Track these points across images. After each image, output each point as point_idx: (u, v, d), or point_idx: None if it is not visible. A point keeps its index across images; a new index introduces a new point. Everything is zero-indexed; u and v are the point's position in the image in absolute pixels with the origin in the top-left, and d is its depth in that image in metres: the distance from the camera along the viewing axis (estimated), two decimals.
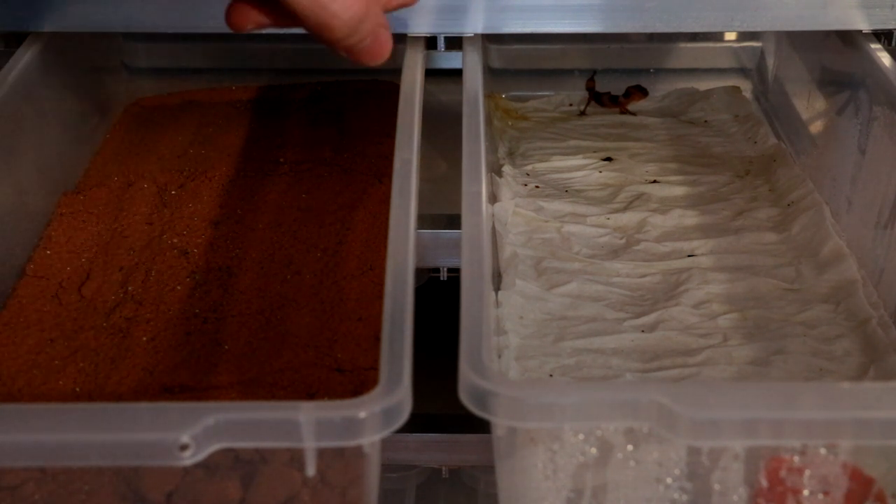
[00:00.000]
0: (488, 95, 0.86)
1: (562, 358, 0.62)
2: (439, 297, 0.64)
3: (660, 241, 0.72)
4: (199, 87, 0.92)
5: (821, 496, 0.46)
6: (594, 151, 0.83)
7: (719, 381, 0.60)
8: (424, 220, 0.68)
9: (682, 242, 0.72)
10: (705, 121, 0.89)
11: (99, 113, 0.84)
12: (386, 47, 0.51)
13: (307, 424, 0.42)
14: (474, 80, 0.68)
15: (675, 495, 0.47)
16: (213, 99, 0.90)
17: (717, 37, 0.97)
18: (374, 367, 0.58)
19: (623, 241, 0.72)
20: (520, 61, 0.94)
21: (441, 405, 0.55)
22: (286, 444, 0.43)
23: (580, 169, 0.81)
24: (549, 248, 0.71)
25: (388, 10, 0.54)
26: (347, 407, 0.42)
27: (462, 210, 0.55)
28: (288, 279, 0.66)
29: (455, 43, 0.73)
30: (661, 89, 0.94)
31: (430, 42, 0.89)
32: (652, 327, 0.64)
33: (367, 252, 0.67)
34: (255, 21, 0.54)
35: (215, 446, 0.42)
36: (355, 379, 0.57)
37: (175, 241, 0.69)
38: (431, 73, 0.64)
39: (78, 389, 0.58)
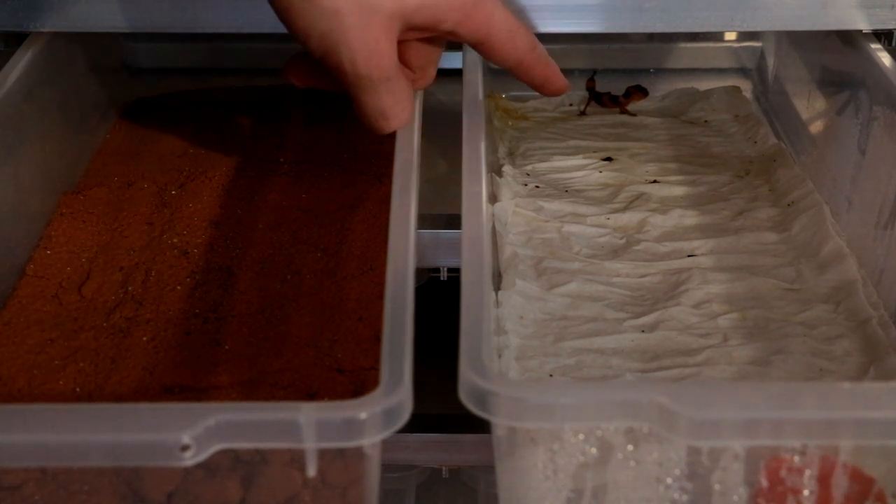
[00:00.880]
0: (488, 95, 0.86)
1: (562, 358, 0.62)
2: (439, 297, 0.64)
3: (660, 241, 0.72)
4: (199, 87, 0.92)
5: (821, 496, 0.46)
6: (594, 151, 0.83)
7: (719, 381, 0.60)
8: (424, 220, 0.68)
9: (682, 242, 0.72)
10: (705, 121, 0.89)
11: (99, 113, 0.84)
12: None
13: (308, 425, 0.42)
14: (474, 80, 0.68)
15: (675, 495, 0.47)
16: (213, 99, 0.90)
17: (717, 37, 0.97)
18: (374, 368, 0.58)
19: (623, 241, 0.72)
20: None
21: (441, 405, 0.55)
22: (287, 444, 0.43)
23: (580, 169, 0.81)
24: (549, 248, 0.71)
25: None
26: (348, 408, 0.42)
27: (462, 210, 0.55)
28: (288, 279, 0.66)
29: (455, 43, 0.73)
30: (661, 89, 0.94)
31: None
32: (652, 327, 0.64)
33: (368, 252, 0.67)
34: (312, 82, 0.61)
35: (216, 447, 0.42)
36: (355, 379, 0.57)
37: (175, 241, 0.69)
38: None
39: (78, 389, 0.58)
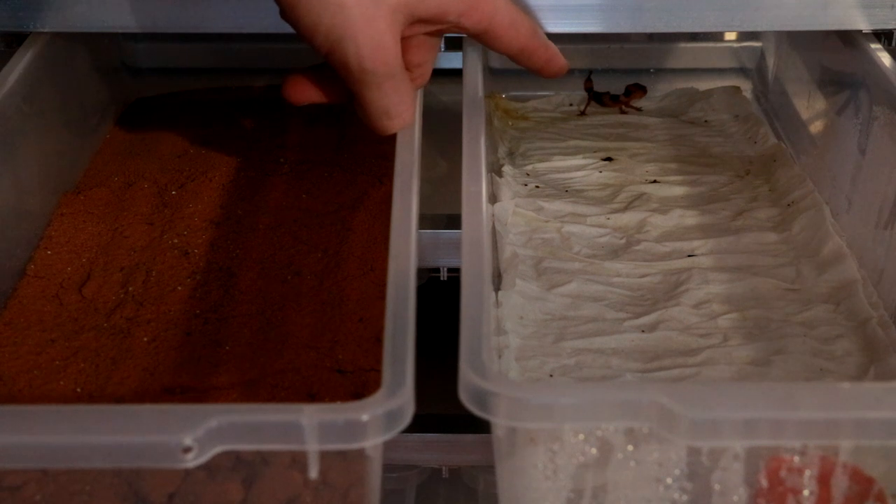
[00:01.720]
0: (488, 95, 0.86)
1: (562, 358, 0.62)
2: (439, 297, 0.64)
3: (660, 241, 0.72)
4: (199, 87, 0.92)
5: (821, 496, 0.46)
6: (594, 151, 0.84)
7: (719, 381, 0.60)
8: (424, 220, 0.68)
9: (682, 242, 0.72)
10: (705, 121, 0.89)
11: (99, 113, 0.84)
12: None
13: (310, 427, 0.42)
14: (474, 80, 0.68)
15: (675, 495, 0.47)
16: (213, 99, 0.90)
17: (717, 37, 0.97)
18: (375, 369, 0.58)
19: (623, 241, 0.72)
20: None
21: (441, 405, 0.55)
22: (289, 446, 0.43)
23: (580, 169, 0.81)
24: (549, 248, 0.71)
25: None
26: (350, 410, 0.42)
27: (462, 210, 0.55)
28: (288, 280, 0.66)
29: (455, 43, 0.73)
30: (661, 89, 0.94)
31: None
32: (652, 327, 0.64)
33: (368, 252, 0.67)
34: (310, 98, 0.61)
35: (218, 448, 0.42)
36: (356, 380, 0.57)
37: (175, 241, 0.69)
38: (432, 73, 0.64)
39: (79, 390, 0.58)
